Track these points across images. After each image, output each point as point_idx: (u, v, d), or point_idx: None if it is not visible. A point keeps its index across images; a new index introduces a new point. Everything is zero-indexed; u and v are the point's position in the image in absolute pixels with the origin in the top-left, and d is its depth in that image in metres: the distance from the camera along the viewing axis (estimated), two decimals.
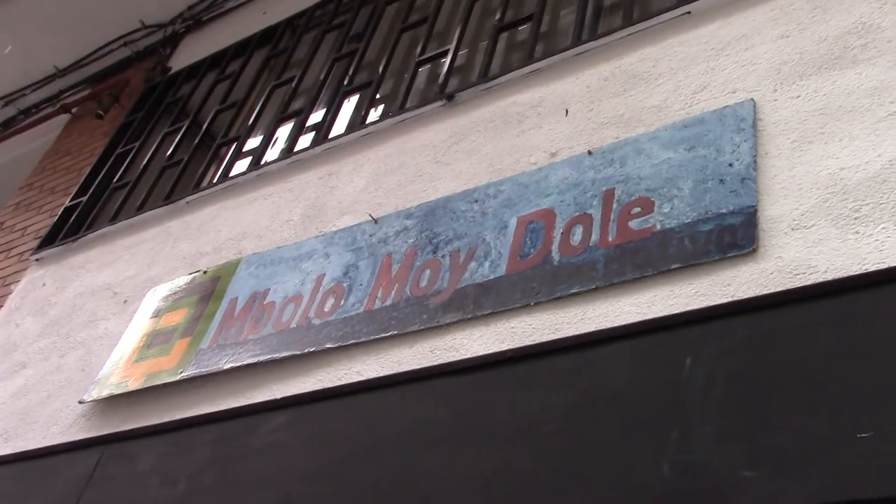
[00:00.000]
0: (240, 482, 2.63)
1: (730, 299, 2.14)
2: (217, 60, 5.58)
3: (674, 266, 2.32)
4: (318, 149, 3.95)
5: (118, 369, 3.51)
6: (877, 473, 1.65)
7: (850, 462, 1.68)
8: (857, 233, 2.08)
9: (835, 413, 1.78)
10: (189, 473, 2.76)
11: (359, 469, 2.39)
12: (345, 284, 3.11)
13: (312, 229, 3.53)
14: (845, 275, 2.02)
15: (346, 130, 3.99)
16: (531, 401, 2.26)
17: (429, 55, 4.09)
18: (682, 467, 1.84)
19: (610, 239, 2.52)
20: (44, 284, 4.55)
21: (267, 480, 2.56)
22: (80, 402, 3.47)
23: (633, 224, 2.51)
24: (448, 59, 3.90)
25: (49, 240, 4.88)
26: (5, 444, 3.58)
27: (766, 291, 2.10)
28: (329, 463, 2.47)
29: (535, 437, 2.15)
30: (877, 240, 2.04)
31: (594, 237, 2.56)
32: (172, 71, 5.90)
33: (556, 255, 2.61)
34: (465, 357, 2.51)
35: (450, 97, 3.59)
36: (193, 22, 6.16)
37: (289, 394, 2.84)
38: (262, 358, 3.04)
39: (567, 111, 3.07)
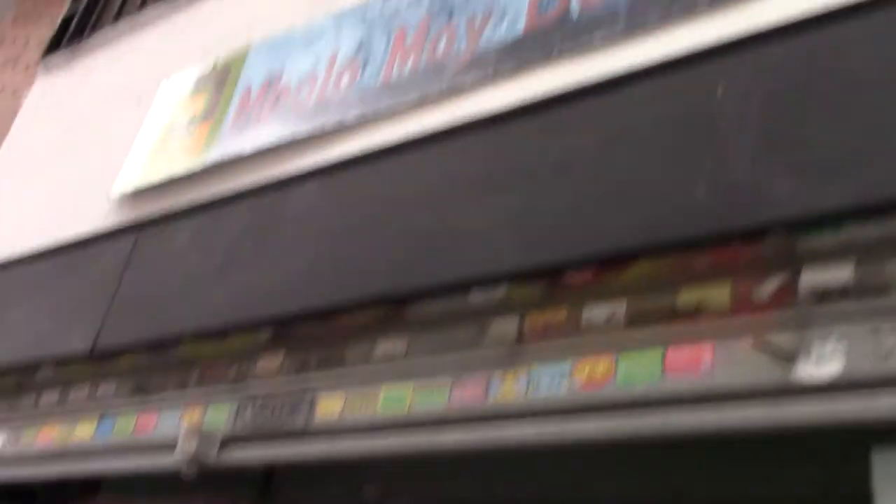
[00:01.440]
0: (275, 250, 2.68)
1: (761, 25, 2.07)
2: None
3: (700, 3, 2.24)
4: None
5: (142, 162, 3.52)
6: None
7: (888, 165, 1.68)
8: None
9: (873, 124, 1.75)
10: (225, 246, 2.81)
11: (392, 222, 2.42)
12: (360, 58, 3.05)
13: (321, 9, 3.42)
14: None
15: None
16: (558, 146, 2.25)
17: None
18: (718, 186, 1.84)
19: None
20: (54, 91, 4.50)
21: (302, 244, 2.60)
22: (109, 198, 3.50)
23: None
24: None
25: (53, 46, 4.78)
26: (42, 239, 3.65)
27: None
28: (362, 221, 2.50)
29: (565, 176, 2.14)
30: None
31: None
32: None
33: (576, 7, 2.53)
34: (489, 113, 2.49)
35: None
36: None
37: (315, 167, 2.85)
38: (284, 137, 3.03)
39: None
